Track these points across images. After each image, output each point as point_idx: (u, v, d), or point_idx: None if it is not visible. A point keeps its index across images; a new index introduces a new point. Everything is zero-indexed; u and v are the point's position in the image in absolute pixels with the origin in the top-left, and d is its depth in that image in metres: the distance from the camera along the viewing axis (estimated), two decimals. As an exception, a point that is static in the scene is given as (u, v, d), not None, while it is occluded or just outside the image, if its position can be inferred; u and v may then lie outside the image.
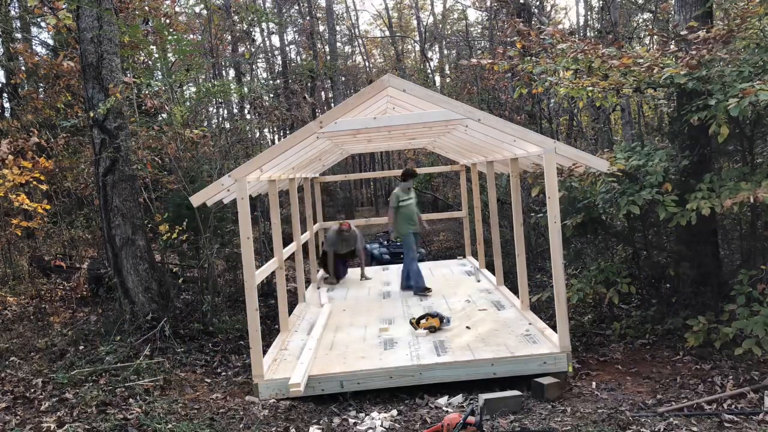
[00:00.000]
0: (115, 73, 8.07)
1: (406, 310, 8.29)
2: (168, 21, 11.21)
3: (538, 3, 16.55)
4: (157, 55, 10.60)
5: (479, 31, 25.03)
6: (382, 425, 5.05)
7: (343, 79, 26.71)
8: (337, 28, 26.78)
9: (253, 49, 19.55)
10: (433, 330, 6.99)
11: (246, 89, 11.66)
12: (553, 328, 6.35)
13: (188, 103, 9.99)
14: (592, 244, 8.25)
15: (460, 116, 6.05)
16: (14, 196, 8.76)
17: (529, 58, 7.50)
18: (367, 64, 29.55)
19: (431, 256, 15.08)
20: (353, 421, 5.22)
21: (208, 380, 6.38)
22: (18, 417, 5.22)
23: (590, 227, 7.45)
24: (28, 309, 9.47)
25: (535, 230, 11.79)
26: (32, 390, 5.82)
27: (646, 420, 4.83)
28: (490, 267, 10.29)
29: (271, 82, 21.41)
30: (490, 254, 10.07)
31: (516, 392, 5.47)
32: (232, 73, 20.19)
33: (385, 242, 14.65)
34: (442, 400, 5.66)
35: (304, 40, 25.35)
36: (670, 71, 5.94)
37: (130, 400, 5.50)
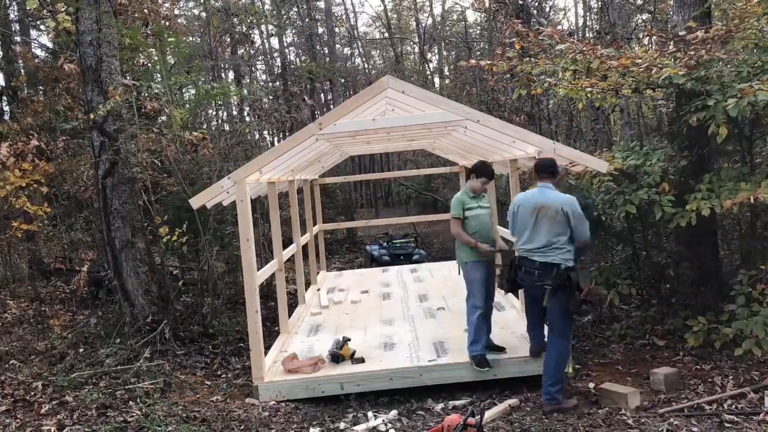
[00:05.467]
0: (114, 76, 8.07)
1: (407, 311, 8.29)
2: (167, 24, 11.22)
3: (536, 4, 16.56)
4: (156, 58, 10.61)
5: (478, 32, 25.05)
6: (382, 427, 5.04)
7: (343, 80, 26.70)
8: (336, 30, 26.78)
9: (252, 51, 19.57)
10: (360, 360, 6.16)
11: (245, 91, 11.68)
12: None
13: (188, 106, 10.00)
14: (591, 244, 8.24)
15: (459, 117, 6.05)
16: (15, 198, 8.76)
17: (528, 59, 7.51)
18: (366, 65, 29.57)
19: (431, 257, 15.10)
20: (353, 422, 5.22)
21: (209, 382, 6.38)
22: (18, 420, 5.22)
23: (590, 228, 7.44)
24: (28, 312, 9.47)
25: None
26: (32, 393, 5.82)
27: (646, 420, 4.83)
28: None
29: (270, 84, 21.42)
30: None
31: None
32: (231, 75, 20.21)
33: (385, 243, 14.67)
34: (443, 402, 5.65)
35: (303, 42, 25.35)
36: (668, 71, 5.95)
37: (130, 402, 5.50)
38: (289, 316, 7.93)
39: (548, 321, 5.36)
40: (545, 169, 5.42)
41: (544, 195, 5.32)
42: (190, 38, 15.18)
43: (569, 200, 5.29)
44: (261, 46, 23.04)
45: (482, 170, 6.03)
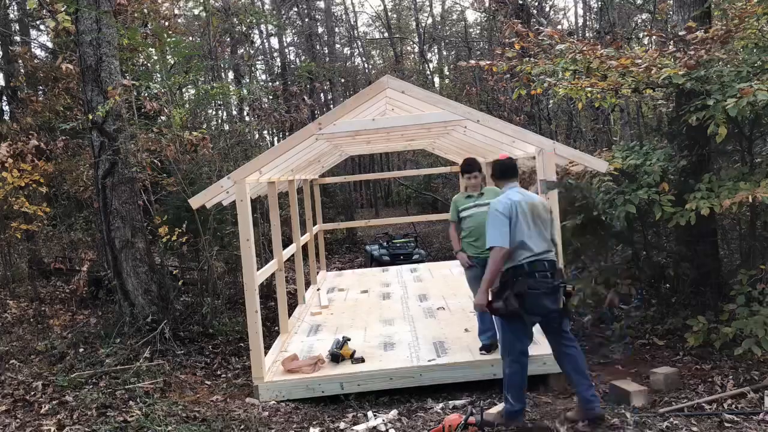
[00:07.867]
0: (114, 76, 8.07)
1: (406, 311, 8.29)
2: (167, 24, 11.22)
3: (536, 4, 16.57)
4: (156, 58, 10.61)
5: (478, 32, 25.06)
6: (382, 426, 5.04)
7: (343, 80, 26.71)
8: (336, 29, 26.79)
9: (252, 51, 19.57)
10: (360, 360, 6.16)
11: (245, 91, 11.66)
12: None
13: (187, 106, 9.99)
14: (591, 244, 8.22)
15: (458, 117, 6.05)
16: (14, 199, 8.77)
17: (527, 59, 7.51)
18: (366, 65, 29.55)
19: (431, 257, 15.10)
20: (353, 422, 5.22)
21: (209, 382, 6.38)
22: (18, 420, 5.22)
23: (590, 228, 7.45)
24: (27, 312, 9.46)
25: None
26: (32, 393, 5.82)
27: (646, 420, 4.83)
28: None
29: (270, 84, 21.41)
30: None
31: None
32: (231, 75, 20.20)
33: (385, 243, 14.68)
34: (443, 402, 5.65)
35: (303, 42, 25.35)
36: (668, 71, 5.95)
37: (130, 402, 5.50)
38: (289, 316, 7.93)
39: (563, 326, 4.80)
40: (514, 171, 4.96)
41: (526, 193, 4.90)
42: (190, 38, 15.16)
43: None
44: (261, 46, 23.05)
45: (463, 167, 6.09)
